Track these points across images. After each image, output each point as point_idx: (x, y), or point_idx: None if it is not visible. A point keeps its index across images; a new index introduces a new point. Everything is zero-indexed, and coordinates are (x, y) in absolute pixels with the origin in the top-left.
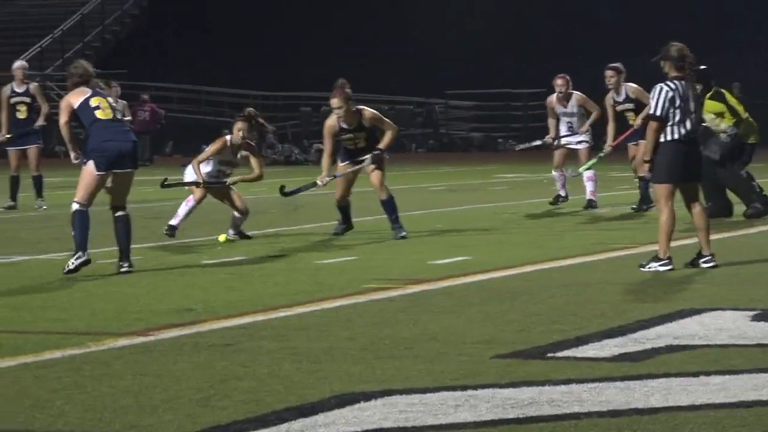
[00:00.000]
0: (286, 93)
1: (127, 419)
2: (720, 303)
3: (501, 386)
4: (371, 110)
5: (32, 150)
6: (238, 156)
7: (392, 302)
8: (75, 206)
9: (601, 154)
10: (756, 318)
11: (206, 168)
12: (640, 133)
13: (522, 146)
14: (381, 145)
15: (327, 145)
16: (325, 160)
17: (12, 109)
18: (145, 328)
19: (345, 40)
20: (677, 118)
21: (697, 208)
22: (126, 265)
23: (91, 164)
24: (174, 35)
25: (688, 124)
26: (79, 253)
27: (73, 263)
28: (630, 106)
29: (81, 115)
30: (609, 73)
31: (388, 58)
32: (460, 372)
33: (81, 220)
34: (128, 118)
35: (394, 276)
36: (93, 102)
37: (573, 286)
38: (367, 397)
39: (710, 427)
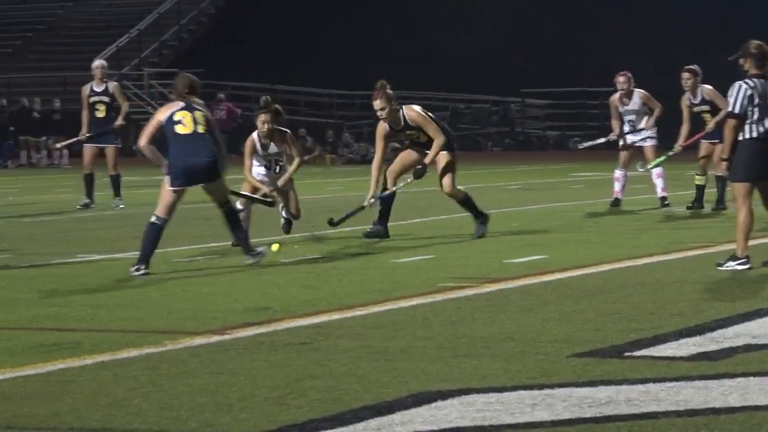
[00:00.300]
0: (363, 92)
1: (204, 417)
2: None
3: (578, 385)
4: (416, 111)
5: (110, 149)
6: (270, 149)
7: (469, 301)
8: (152, 218)
9: (671, 153)
10: None
11: (258, 170)
12: (712, 134)
13: (585, 144)
14: (426, 159)
15: (378, 149)
16: (374, 169)
17: (91, 108)
18: (221, 326)
19: (409, 39)
20: (756, 116)
21: None
22: (251, 253)
23: (167, 179)
24: (251, 34)
25: (767, 123)
26: (141, 266)
27: (133, 274)
28: (706, 108)
29: (165, 129)
30: (686, 75)
31: (450, 55)
32: (537, 371)
33: (151, 233)
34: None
35: (470, 275)
36: (177, 116)
37: (650, 285)
38: (444, 395)
39: None
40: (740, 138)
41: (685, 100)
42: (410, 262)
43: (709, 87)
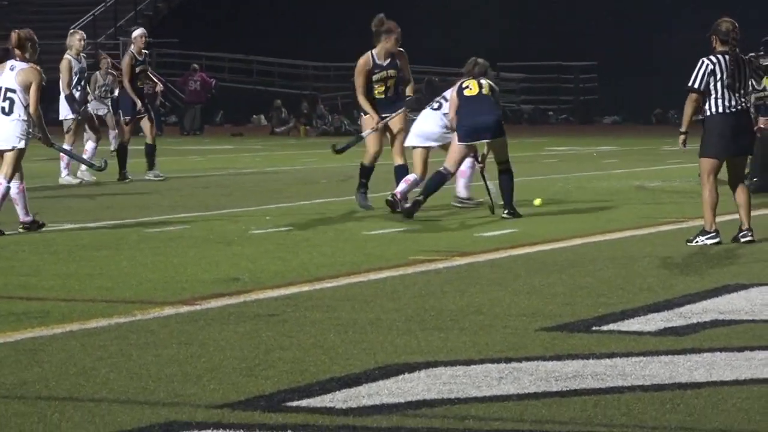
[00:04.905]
0: (337, 63)
1: (172, 388)
2: (767, 278)
3: (545, 359)
4: (404, 52)
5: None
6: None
7: (438, 274)
8: (441, 168)
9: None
10: None
11: None
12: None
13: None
14: (408, 91)
15: (358, 83)
16: (364, 101)
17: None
18: (191, 297)
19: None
20: (720, 91)
21: (738, 184)
22: (505, 212)
23: (456, 135)
24: (226, 5)
25: (732, 98)
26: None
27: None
28: None
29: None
30: None
31: (429, 27)
32: (504, 344)
33: (436, 178)
34: (115, 93)
35: (441, 248)
36: (465, 84)
37: (620, 260)
38: (412, 368)
39: (754, 401)
40: (707, 114)
41: None
42: (381, 234)
43: None
